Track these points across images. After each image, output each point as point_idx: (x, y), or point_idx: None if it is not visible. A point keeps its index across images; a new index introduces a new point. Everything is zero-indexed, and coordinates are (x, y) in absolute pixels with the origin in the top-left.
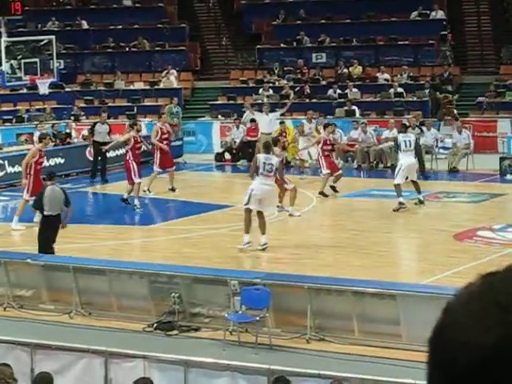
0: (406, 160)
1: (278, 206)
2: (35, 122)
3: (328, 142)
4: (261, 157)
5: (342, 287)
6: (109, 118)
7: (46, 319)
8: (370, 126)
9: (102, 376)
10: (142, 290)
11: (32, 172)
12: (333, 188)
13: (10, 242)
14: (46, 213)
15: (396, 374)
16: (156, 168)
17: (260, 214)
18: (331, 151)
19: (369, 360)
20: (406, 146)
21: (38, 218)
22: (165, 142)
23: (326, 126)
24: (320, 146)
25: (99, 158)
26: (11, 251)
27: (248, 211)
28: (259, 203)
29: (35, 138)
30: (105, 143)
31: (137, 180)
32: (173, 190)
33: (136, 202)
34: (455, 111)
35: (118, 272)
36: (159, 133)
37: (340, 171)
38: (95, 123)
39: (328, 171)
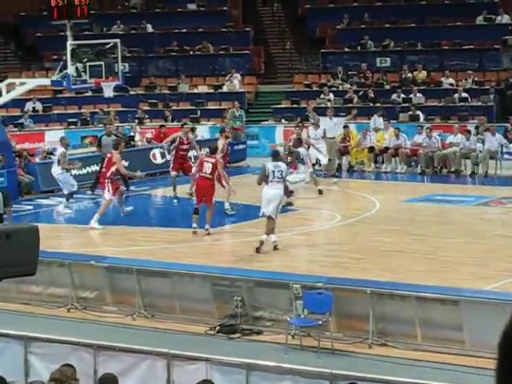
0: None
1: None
2: (100, 125)
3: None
4: (269, 165)
5: (405, 292)
6: (172, 121)
7: (110, 321)
8: (435, 130)
9: (164, 378)
10: (205, 293)
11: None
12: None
13: (76, 244)
14: None
15: (459, 380)
16: (171, 172)
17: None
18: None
19: (431, 366)
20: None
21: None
22: (181, 153)
23: None
24: None
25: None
26: (75, 253)
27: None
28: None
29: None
30: None
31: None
32: (191, 194)
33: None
34: None
35: (180, 274)
36: (176, 141)
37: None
38: (102, 135)
39: None
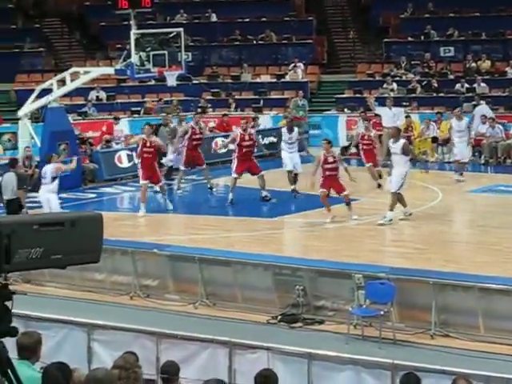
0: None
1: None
2: (162, 114)
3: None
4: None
5: (468, 283)
6: (236, 109)
7: (172, 309)
8: (498, 120)
9: (225, 366)
10: (267, 282)
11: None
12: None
13: (139, 233)
14: (5, 197)
15: None
16: (181, 167)
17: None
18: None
19: (494, 357)
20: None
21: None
22: (195, 143)
23: None
24: None
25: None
26: (138, 241)
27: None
28: None
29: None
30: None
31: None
32: (211, 188)
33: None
34: None
35: (242, 263)
36: (189, 133)
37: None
38: (159, 125)
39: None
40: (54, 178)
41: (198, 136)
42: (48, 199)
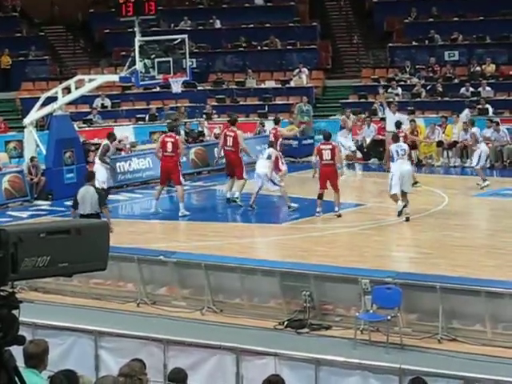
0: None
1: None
2: (167, 121)
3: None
4: (392, 146)
5: (475, 287)
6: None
7: (179, 316)
8: (503, 124)
9: (233, 373)
10: (273, 288)
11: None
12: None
13: (144, 240)
14: (80, 211)
15: None
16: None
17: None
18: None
19: (502, 361)
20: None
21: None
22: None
23: None
24: None
25: None
26: (144, 248)
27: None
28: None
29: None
30: None
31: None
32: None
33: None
34: None
35: (249, 270)
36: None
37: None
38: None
39: None
40: None
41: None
42: None
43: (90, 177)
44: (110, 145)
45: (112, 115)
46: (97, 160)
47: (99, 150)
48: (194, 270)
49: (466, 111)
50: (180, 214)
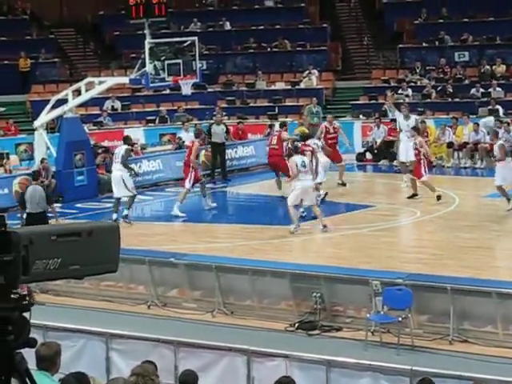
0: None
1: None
2: (179, 122)
3: None
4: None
5: (486, 288)
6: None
7: (189, 317)
8: None
9: (244, 374)
10: (284, 290)
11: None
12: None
13: (156, 242)
14: (27, 210)
15: None
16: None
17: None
18: None
19: None
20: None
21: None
22: (330, 142)
23: None
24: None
25: (217, 158)
26: (155, 250)
27: None
28: None
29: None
30: (223, 144)
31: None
32: (343, 184)
33: None
34: None
35: (259, 271)
36: (323, 132)
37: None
38: (211, 124)
39: None
40: None
41: (332, 135)
42: None
43: (36, 176)
44: (131, 148)
45: (122, 117)
46: (119, 166)
47: (119, 156)
48: (205, 272)
49: (491, 118)
50: (172, 213)
